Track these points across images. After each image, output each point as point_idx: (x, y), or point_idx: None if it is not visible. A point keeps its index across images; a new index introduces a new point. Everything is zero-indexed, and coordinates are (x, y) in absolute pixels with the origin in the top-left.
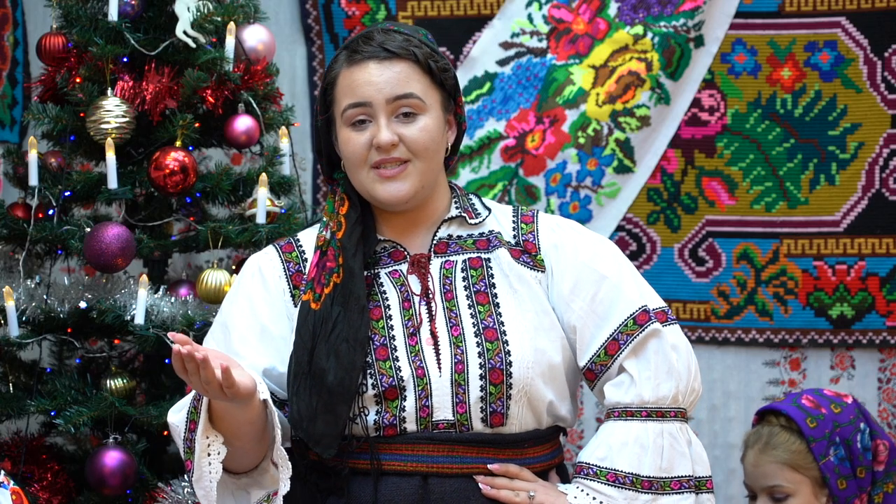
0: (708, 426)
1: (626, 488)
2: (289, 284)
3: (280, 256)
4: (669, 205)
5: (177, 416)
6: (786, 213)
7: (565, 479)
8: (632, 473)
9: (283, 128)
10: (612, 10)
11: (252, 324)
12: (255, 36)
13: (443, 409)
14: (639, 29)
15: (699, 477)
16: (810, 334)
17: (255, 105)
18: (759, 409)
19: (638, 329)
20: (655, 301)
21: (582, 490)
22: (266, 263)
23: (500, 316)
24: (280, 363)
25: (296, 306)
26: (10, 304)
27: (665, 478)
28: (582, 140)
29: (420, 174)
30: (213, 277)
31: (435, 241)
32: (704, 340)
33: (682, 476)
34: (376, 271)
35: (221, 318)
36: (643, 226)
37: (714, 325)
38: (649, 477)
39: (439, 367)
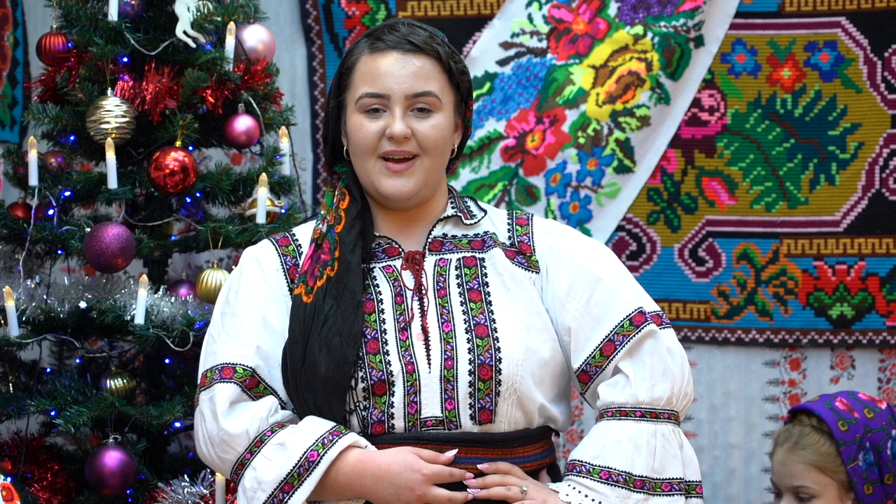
0: (708, 426)
1: (618, 486)
2: (286, 278)
3: (277, 250)
4: (669, 205)
5: (268, 473)
6: (786, 213)
7: (557, 480)
8: (625, 472)
9: (283, 128)
10: (612, 10)
11: (254, 313)
12: (255, 36)
13: (431, 406)
14: (639, 29)
15: (689, 481)
16: (810, 334)
17: (255, 105)
18: (792, 408)
19: (634, 330)
20: (650, 305)
21: (574, 487)
22: (263, 256)
23: (492, 313)
24: (280, 352)
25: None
26: (10, 304)
27: (656, 479)
28: (582, 140)
29: (426, 171)
30: (213, 277)
31: (430, 240)
32: (704, 340)
33: (672, 478)
34: (371, 266)
35: (222, 308)
36: (643, 226)
37: (714, 325)
38: (642, 476)
39: (429, 363)
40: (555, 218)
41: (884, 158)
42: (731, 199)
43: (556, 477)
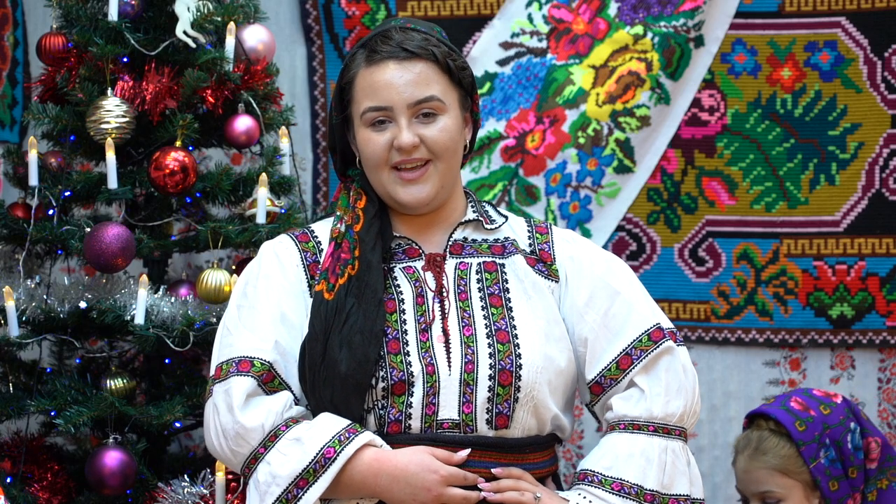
0: (708, 426)
1: (630, 499)
2: (306, 274)
3: (297, 245)
4: (669, 205)
5: (283, 467)
6: (786, 213)
7: (558, 488)
8: (637, 485)
9: (283, 128)
10: (612, 10)
11: (273, 308)
12: (255, 36)
13: (449, 408)
14: (639, 29)
15: (695, 499)
16: (810, 334)
17: (255, 105)
18: (749, 413)
19: (652, 345)
20: (666, 322)
21: (585, 497)
22: (283, 251)
23: (513, 320)
24: (297, 348)
25: (312, 297)
26: (10, 304)
27: (665, 494)
28: (582, 140)
29: (440, 175)
30: (213, 277)
31: (450, 243)
32: (704, 340)
33: (679, 495)
34: (391, 266)
35: (239, 301)
36: (643, 226)
37: (714, 325)
38: (652, 490)
39: (449, 365)
40: (554, 218)
41: (884, 158)
42: (731, 199)
43: (558, 485)
